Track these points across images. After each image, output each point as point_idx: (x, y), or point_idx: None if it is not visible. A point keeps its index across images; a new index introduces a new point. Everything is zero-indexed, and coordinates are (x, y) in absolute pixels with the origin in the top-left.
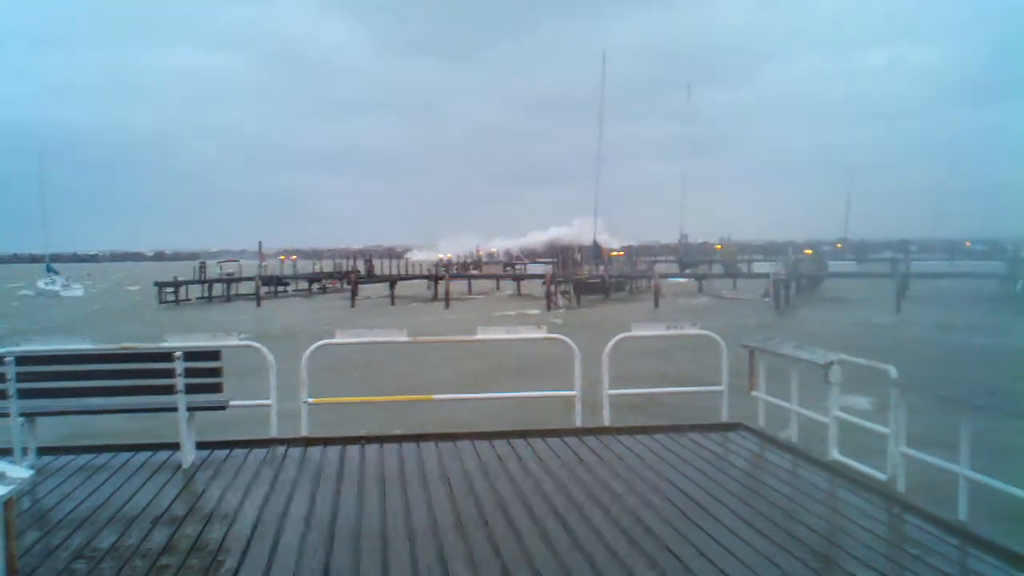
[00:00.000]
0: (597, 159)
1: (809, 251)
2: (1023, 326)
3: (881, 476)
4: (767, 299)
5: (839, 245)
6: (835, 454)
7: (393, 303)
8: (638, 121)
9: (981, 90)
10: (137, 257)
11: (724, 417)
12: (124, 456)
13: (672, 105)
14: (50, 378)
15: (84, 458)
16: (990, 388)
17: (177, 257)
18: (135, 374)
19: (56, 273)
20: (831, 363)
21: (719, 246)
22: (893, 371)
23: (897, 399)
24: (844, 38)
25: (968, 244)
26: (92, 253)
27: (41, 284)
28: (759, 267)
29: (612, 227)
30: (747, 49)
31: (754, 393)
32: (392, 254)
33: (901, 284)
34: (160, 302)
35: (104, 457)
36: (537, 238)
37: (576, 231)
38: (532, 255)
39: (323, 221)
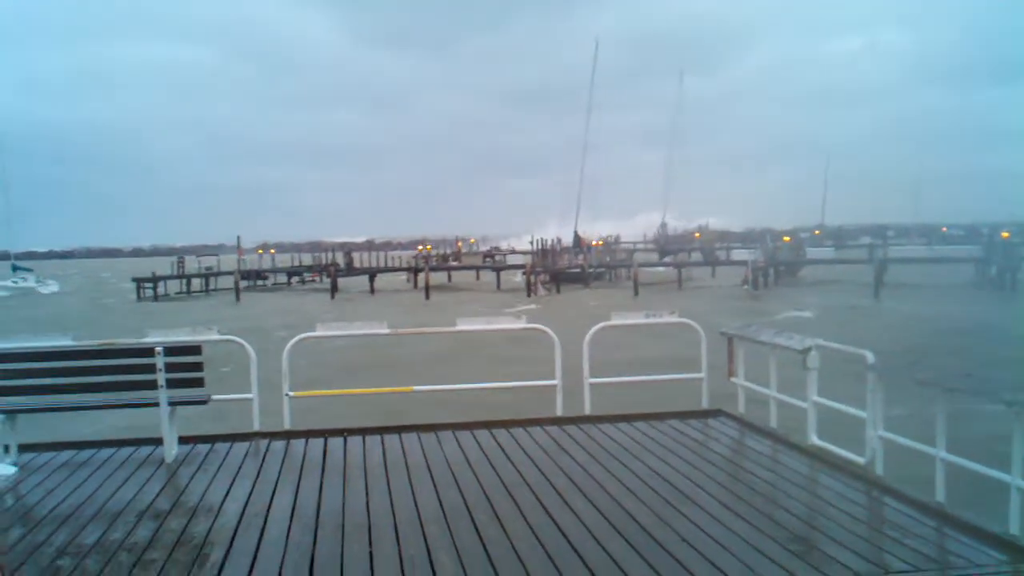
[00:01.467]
0: (583, 148)
1: (787, 238)
2: (1000, 311)
3: (860, 460)
4: (746, 286)
5: (817, 232)
6: (814, 439)
7: (372, 293)
8: (619, 109)
9: (956, 74)
10: (115, 253)
11: (704, 404)
12: (107, 452)
13: (652, 92)
14: (30, 375)
15: (66, 454)
16: (965, 371)
17: (156, 252)
18: (116, 370)
19: (28, 270)
20: (809, 349)
21: (698, 234)
22: (870, 356)
23: (874, 384)
24: (821, 22)
25: (944, 229)
26: (68, 249)
27: (9, 283)
28: (738, 255)
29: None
30: (726, 35)
31: (733, 380)
32: (372, 247)
33: (879, 270)
34: (139, 298)
35: (86, 453)
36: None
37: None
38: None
39: (302, 215)
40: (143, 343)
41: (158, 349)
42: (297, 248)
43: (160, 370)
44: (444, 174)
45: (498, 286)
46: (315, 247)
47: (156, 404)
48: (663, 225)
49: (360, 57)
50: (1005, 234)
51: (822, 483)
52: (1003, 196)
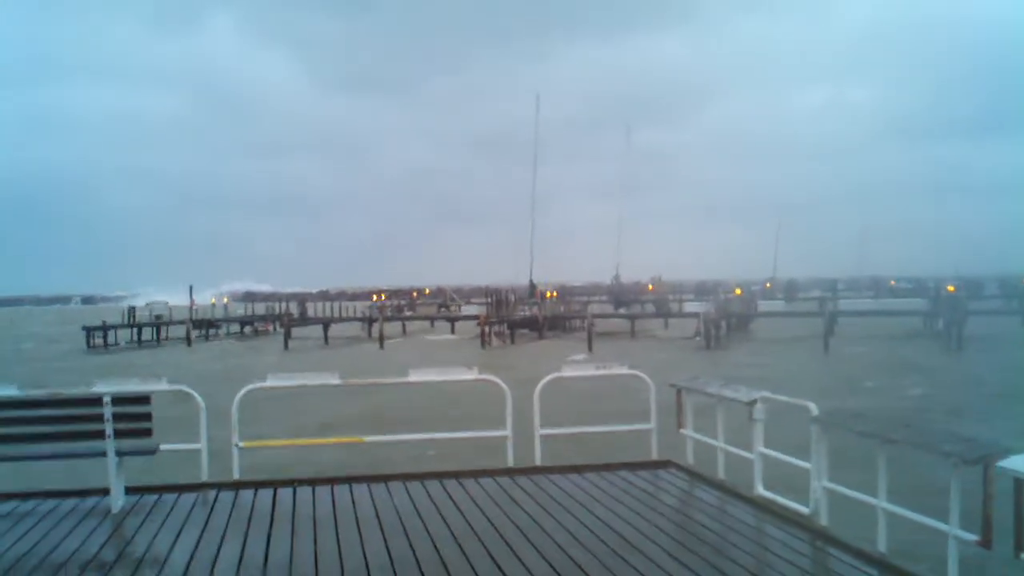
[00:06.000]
0: (532, 200)
1: (739, 290)
2: (946, 363)
3: (804, 510)
4: (698, 338)
5: (768, 284)
6: (760, 489)
7: (327, 343)
8: (578, 160)
9: (911, 130)
10: (65, 301)
11: (654, 455)
12: (52, 502)
13: (614, 144)
14: None
15: (10, 505)
16: (905, 422)
17: (107, 300)
18: (63, 420)
19: None
20: (755, 401)
21: (651, 286)
22: (814, 408)
23: (817, 435)
24: (785, 76)
25: (893, 283)
26: (16, 296)
27: None
28: (690, 306)
29: (548, 269)
30: (689, 88)
31: (682, 431)
32: (326, 297)
33: (828, 323)
34: (88, 347)
35: (31, 503)
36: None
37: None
38: (465, 295)
39: (257, 264)
40: (91, 393)
41: (106, 399)
42: (251, 297)
43: (108, 420)
44: (402, 224)
45: (452, 333)
46: (269, 297)
47: (103, 454)
48: (616, 276)
49: (320, 102)
50: (951, 288)
51: (768, 533)
52: (949, 250)
